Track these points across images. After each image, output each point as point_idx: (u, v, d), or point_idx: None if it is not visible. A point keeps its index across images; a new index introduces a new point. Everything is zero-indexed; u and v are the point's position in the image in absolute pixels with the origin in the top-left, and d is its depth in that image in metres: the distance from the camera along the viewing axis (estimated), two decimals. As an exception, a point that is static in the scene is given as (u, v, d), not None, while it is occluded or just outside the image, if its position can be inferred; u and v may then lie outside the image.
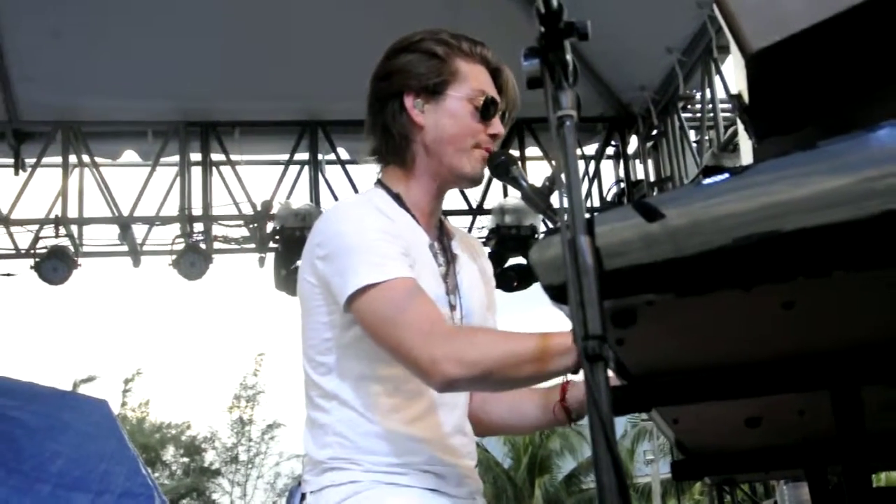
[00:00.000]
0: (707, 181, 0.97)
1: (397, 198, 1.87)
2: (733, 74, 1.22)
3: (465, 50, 1.88)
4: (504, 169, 1.81)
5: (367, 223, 1.75)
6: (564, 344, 1.57)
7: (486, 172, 1.89)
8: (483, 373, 1.63)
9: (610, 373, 0.91)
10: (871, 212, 0.87)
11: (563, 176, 0.94)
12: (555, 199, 1.87)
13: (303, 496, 1.79)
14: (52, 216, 6.43)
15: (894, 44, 1.11)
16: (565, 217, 0.92)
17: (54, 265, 6.20)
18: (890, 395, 1.25)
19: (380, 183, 1.91)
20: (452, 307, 1.84)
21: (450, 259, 1.90)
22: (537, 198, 1.72)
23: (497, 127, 1.86)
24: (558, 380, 1.81)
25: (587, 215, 0.94)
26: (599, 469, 0.84)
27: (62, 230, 6.38)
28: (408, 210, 1.86)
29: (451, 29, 1.92)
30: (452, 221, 2.01)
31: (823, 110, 1.19)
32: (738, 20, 1.09)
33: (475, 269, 1.97)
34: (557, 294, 0.95)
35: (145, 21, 5.80)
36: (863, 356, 1.07)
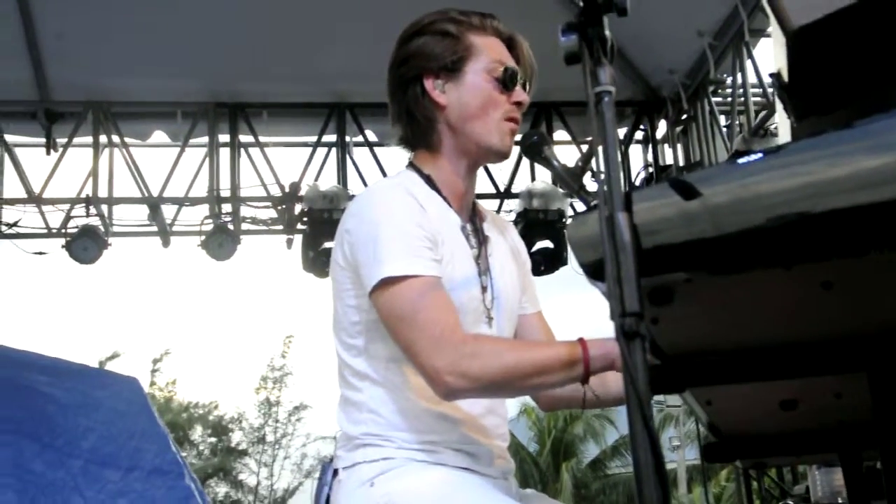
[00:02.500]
0: (742, 160, 0.96)
1: (429, 180, 1.86)
2: (773, 52, 1.20)
3: (476, 24, 1.88)
4: (537, 149, 1.81)
5: (398, 212, 1.75)
6: (573, 355, 1.60)
7: (515, 150, 1.89)
8: (485, 386, 1.66)
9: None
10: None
11: (600, 151, 0.94)
12: (587, 181, 1.86)
13: (335, 472, 1.80)
14: (82, 196, 6.48)
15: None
16: (603, 193, 0.91)
17: (85, 244, 6.26)
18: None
19: (412, 165, 1.91)
20: (484, 289, 1.84)
21: (482, 241, 1.89)
22: (570, 178, 1.72)
23: (520, 95, 1.86)
24: None
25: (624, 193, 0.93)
26: (636, 446, 0.84)
27: (93, 210, 6.43)
28: (439, 192, 1.86)
29: (458, 6, 1.92)
30: (478, 203, 2.00)
31: (864, 90, 1.17)
32: (780, -4, 1.07)
33: (507, 250, 1.96)
34: (594, 271, 0.94)
35: (174, 2, 5.82)
36: (902, 338, 1.05)
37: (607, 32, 0.99)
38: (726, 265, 0.93)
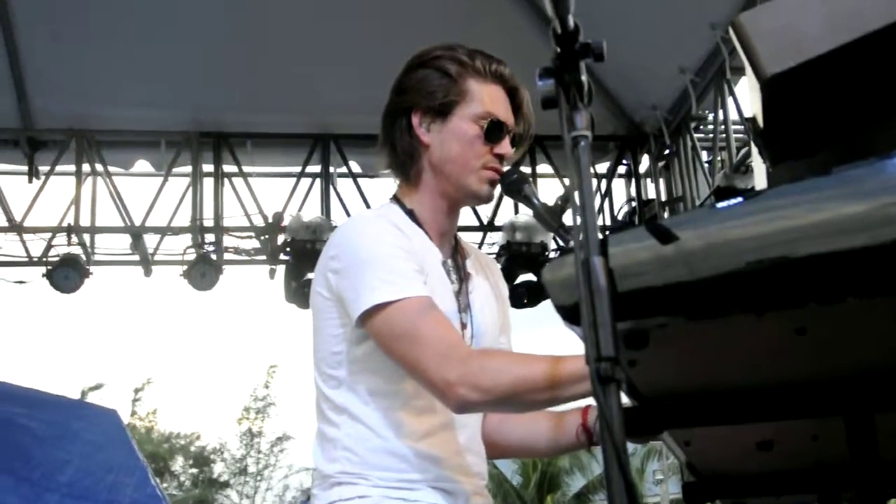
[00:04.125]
0: (721, 204, 0.96)
1: (411, 214, 1.87)
2: (748, 97, 1.22)
3: (478, 69, 1.87)
4: (517, 187, 1.82)
5: (383, 239, 1.75)
6: (579, 369, 1.57)
7: (497, 190, 1.89)
8: (498, 398, 1.64)
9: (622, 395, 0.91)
10: (886, 239, 0.86)
11: (576, 196, 0.94)
12: (567, 218, 1.87)
13: (312, 511, 1.78)
14: (64, 224, 6.45)
15: (911, 70, 1.10)
16: (579, 237, 0.92)
17: (66, 273, 6.22)
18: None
19: (395, 199, 1.92)
20: (463, 325, 1.84)
21: (463, 277, 1.90)
22: (549, 217, 1.72)
23: (504, 147, 1.86)
24: (576, 402, 1.81)
25: (600, 236, 0.94)
26: (612, 493, 0.84)
27: (74, 238, 6.40)
28: (421, 226, 1.86)
29: (467, 44, 1.92)
30: (462, 237, 2.01)
31: (839, 136, 1.19)
32: (753, 44, 1.09)
33: (488, 288, 1.97)
34: (570, 314, 0.94)
35: (159, 31, 5.83)
36: (876, 383, 1.06)
37: (584, 77, 1.00)
38: (702, 310, 0.93)
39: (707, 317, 0.93)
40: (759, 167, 1.36)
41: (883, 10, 1.04)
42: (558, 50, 0.98)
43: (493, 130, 1.84)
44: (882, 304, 0.91)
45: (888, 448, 1.16)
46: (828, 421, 1.15)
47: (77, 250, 6.37)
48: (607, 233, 0.96)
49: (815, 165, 1.19)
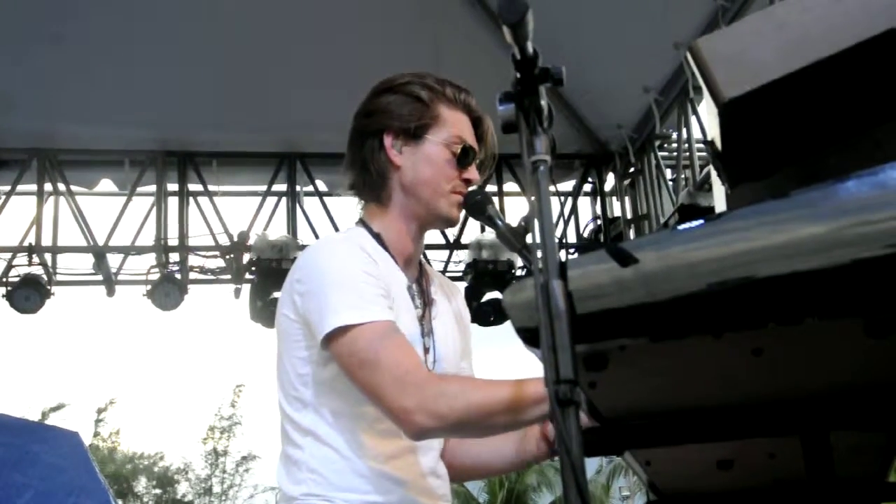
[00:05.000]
0: (682, 227, 0.98)
1: (378, 237, 1.88)
2: (706, 120, 1.23)
3: (448, 96, 1.90)
4: (480, 207, 1.82)
5: (349, 262, 1.76)
6: (539, 393, 1.58)
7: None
8: (454, 424, 1.65)
9: (583, 415, 0.92)
10: (842, 260, 0.88)
11: (536, 220, 0.95)
12: (530, 239, 1.88)
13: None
14: (25, 244, 6.37)
15: (861, 95, 1.13)
16: (538, 261, 0.93)
17: (27, 294, 6.14)
18: (859, 440, 1.27)
19: (361, 222, 1.92)
20: (426, 350, 1.84)
21: (427, 302, 1.90)
22: (512, 237, 1.73)
23: (472, 173, 1.89)
24: None
25: (561, 258, 0.95)
26: (570, 514, 0.84)
27: (35, 258, 6.32)
28: (387, 250, 1.87)
29: (435, 73, 1.95)
30: (430, 255, 2.02)
31: (795, 158, 1.21)
32: (710, 69, 1.11)
33: (451, 313, 1.98)
34: (530, 337, 0.95)
35: (123, 50, 5.80)
36: (831, 402, 1.08)
37: (544, 102, 1.01)
38: (660, 332, 0.94)
39: (666, 338, 0.94)
40: (718, 188, 1.38)
41: (833, 37, 1.07)
42: (518, 75, 0.99)
43: (465, 155, 1.87)
44: (836, 324, 0.93)
45: (844, 465, 1.18)
46: (785, 440, 1.17)
47: (38, 270, 6.29)
48: (572, 252, 0.97)
49: (773, 187, 1.22)
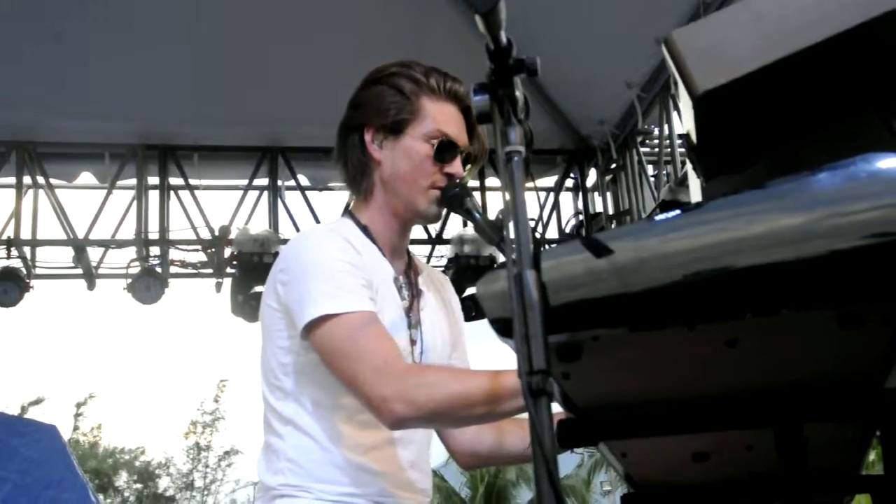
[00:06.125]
0: (659, 217, 0.97)
1: (365, 230, 1.87)
2: (682, 114, 1.24)
3: (433, 87, 1.87)
4: (458, 201, 1.82)
5: (331, 253, 1.75)
6: (515, 384, 1.57)
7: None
8: (431, 413, 1.64)
9: (558, 406, 0.92)
10: (817, 251, 0.88)
11: (510, 211, 0.95)
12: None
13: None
14: (4, 237, 6.32)
15: (837, 88, 1.13)
16: (512, 251, 0.92)
17: (5, 287, 6.10)
18: (834, 432, 1.27)
19: (349, 213, 1.92)
20: (413, 342, 1.84)
21: (415, 294, 1.90)
22: (490, 230, 1.73)
23: (454, 167, 1.86)
24: None
25: (536, 249, 0.94)
26: (541, 505, 0.84)
27: (14, 251, 6.28)
28: (374, 242, 1.87)
29: (418, 58, 1.93)
30: (412, 250, 2.01)
31: (770, 150, 1.21)
32: (685, 62, 1.10)
33: (440, 305, 1.97)
34: (503, 328, 0.95)
35: (104, 42, 5.76)
36: (805, 394, 1.08)
37: (518, 93, 1.01)
38: (634, 323, 0.94)
39: (640, 329, 0.94)
40: (694, 182, 1.38)
41: (810, 29, 1.07)
42: (492, 66, 0.98)
43: (444, 149, 1.84)
44: (809, 316, 0.93)
45: (818, 457, 1.18)
46: (762, 432, 1.17)
47: (17, 263, 6.25)
48: (549, 245, 0.96)
49: (748, 180, 1.22)
